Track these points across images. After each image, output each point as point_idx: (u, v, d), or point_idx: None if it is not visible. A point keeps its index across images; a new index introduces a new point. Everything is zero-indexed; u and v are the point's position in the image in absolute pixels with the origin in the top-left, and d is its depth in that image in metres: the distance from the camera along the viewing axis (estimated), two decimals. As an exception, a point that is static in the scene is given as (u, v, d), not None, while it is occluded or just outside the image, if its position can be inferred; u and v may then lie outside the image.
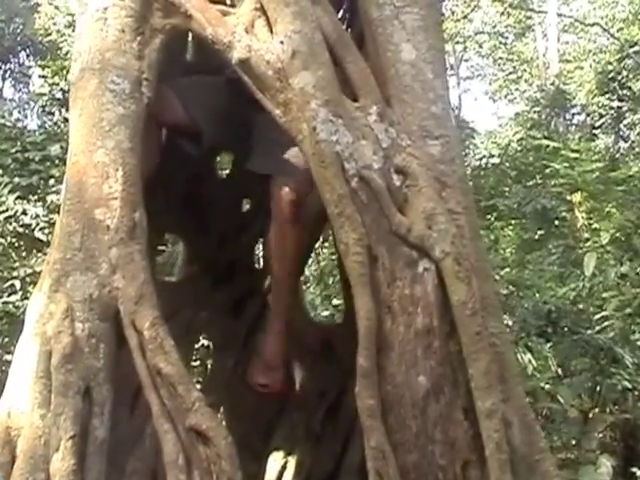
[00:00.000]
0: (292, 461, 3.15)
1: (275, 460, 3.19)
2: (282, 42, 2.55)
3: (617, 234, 6.77)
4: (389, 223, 2.45)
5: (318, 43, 2.57)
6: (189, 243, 3.50)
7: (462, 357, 2.38)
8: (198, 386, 3.32)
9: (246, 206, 3.66)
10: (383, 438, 2.30)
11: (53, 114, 9.54)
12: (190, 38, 3.41)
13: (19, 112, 16.46)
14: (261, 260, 3.65)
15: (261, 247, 3.65)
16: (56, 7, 15.75)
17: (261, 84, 2.57)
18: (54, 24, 15.41)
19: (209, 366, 4.11)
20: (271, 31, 2.59)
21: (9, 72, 17.19)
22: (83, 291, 2.45)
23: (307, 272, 6.43)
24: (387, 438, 2.31)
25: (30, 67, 16.25)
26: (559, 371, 5.60)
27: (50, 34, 15.24)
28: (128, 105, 2.66)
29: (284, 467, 3.16)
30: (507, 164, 10.33)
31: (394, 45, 2.68)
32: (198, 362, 4.46)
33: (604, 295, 5.79)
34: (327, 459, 3.09)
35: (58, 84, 9.54)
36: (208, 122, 2.92)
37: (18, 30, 15.40)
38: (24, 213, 5.43)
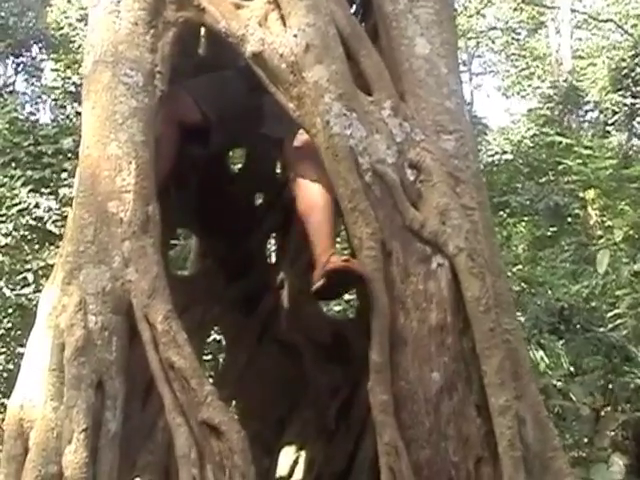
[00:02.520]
0: (304, 457, 3.14)
1: (287, 455, 3.18)
2: (296, 35, 2.54)
3: (630, 232, 6.73)
4: (403, 218, 2.44)
5: (332, 37, 2.56)
6: (202, 238, 3.49)
7: (475, 353, 2.37)
8: (210, 381, 3.33)
9: (259, 201, 3.65)
10: (396, 434, 2.29)
11: (65, 107, 9.56)
12: (203, 32, 3.41)
13: (31, 106, 16.53)
14: (274, 255, 3.64)
15: (274, 242, 3.64)
16: (68, 0, 15.78)
17: (274, 78, 2.56)
18: (66, 17, 15.44)
19: (221, 361, 4.11)
20: (284, 24, 2.58)
21: (22, 66, 17.25)
22: (96, 284, 2.44)
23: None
24: (400, 434, 2.30)
25: (42, 61, 16.30)
26: (571, 369, 5.57)
27: (62, 28, 15.27)
28: (141, 98, 2.66)
29: (296, 462, 3.15)
30: (520, 161, 10.28)
31: (408, 39, 2.67)
32: (210, 357, 4.45)
33: (617, 293, 5.75)
34: (339, 455, 3.09)
35: (70, 78, 9.55)
36: (219, 118, 2.91)
37: (30, 24, 15.42)
38: (37, 206, 5.44)
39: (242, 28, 2.60)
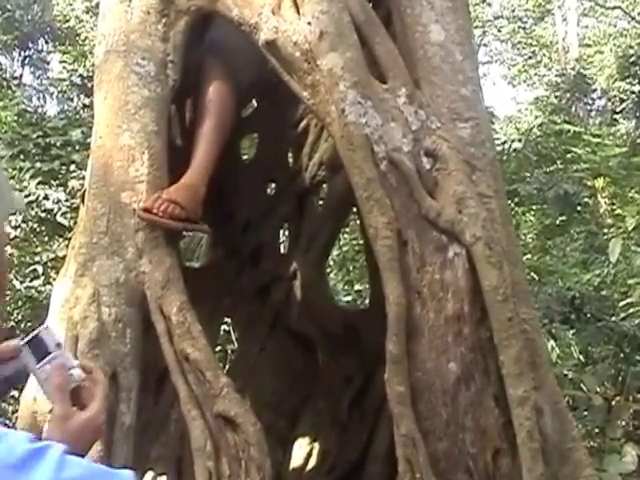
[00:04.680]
0: (318, 448, 3.12)
1: (301, 447, 3.17)
2: (309, 23, 2.50)
3: (641, 219, 6.67)
4: (419, 207, 2.41)
5: (346, 24, 2.52)
6: (214, 228, 3.46)
7: (493, 344, 2.33)
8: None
9: (271, 190, 3.62)
10: (413, 425, 2.27)
11: (72, 100, 9.52)
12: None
13: (38, 99, 16.51)
14: (286, 245, 3.62)
15: (287, 232, 3.61)
16: (74, -7, 15.75)
17: (288, 66, 2.53)
18: (72, 10, 15.41)
19: (229, 352, 4.10)
20: (298, 12, 2.54)
21: (28, 59, 17.22)
22: (109, 275, 2.43)
23: (330, 258, 6.39)
24: (417, 425, 2.28)
25: (50, 53, 16.27)
26: (582, 358, 5.54)
27: (69, 20, 15.24)
28: (153, 88, 2.64)
29: (309, 454, 3.13)
30: (528, 149, 10.21)
31: (422, 26, 2.63)
32: (219, 348, 4.44)
33: (629, 282, 5.71)
34: (353, 446, 3.07)
35: (77, 70, 9.51)
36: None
37: (37, 17, 15.39)
38: (46, 198, 5.43)
39: (255, 16, 2.57)
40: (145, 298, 2.42)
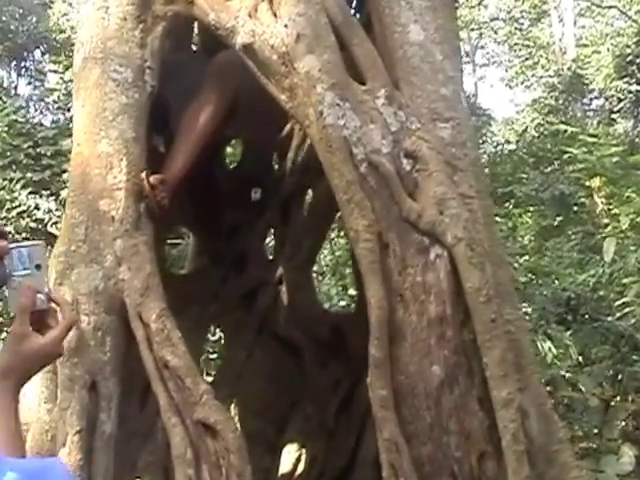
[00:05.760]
0: (306, 454, 3.10)
1: (289, 453, 3.14)
2: (286, 25, 2.48)
3: (637, 219, 6.64)
4: (399, 209, 2.38)
5: (323, 26, 2.50)
6: (198, 235, 3.45)
7: (477, 345, 2.31)
8: (211, 379, 3.29)
9: (256, 196, 3.60)
10: (396, 429, 2.24)
11: (69, 110, 9.50)
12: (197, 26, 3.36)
13: (35, 110, 16.52)
14: (272, 250, 3.59)
15: (273, 237, 3.59)
16: (69, 4, 15.77)
17: (266, 69, 2.51)
18: (67, 20, 15.42)
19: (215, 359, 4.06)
20: (275, 15, 2.53)
21: (24, 69, 17.24)
22: (88, 284, 2.41)
23: (323, 262, 6.37)
24: (400, 429, 2.25)
25: (43, 63, 16.30)
26: (580, 359, 5.50)
27: (64, 31, 15.25)
28: (131, 94, 2.62)
29: (298, 460, 3.11)
30: (524, 150, 10.20)
31: (401, 26, 2.60)
32: (215, 355, 4.41)
33: (624, 281, 5.67)
34: (341, 452, 3.04)
35: (72, 80, 9.48)
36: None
37: (32, 28, 15.41)
38: (37, 208, 5.41)
39: (232, 20, 2.55)
40: (124, 306, 2.40)
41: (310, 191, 3.45)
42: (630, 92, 15.17)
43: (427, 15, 2.64)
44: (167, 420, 2.26)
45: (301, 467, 3.10)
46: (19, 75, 17.54)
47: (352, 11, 2.83)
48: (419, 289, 2.35)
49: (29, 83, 17.84)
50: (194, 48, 3.49)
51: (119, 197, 2.49)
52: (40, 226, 5.45)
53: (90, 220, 2.47)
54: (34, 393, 2.39)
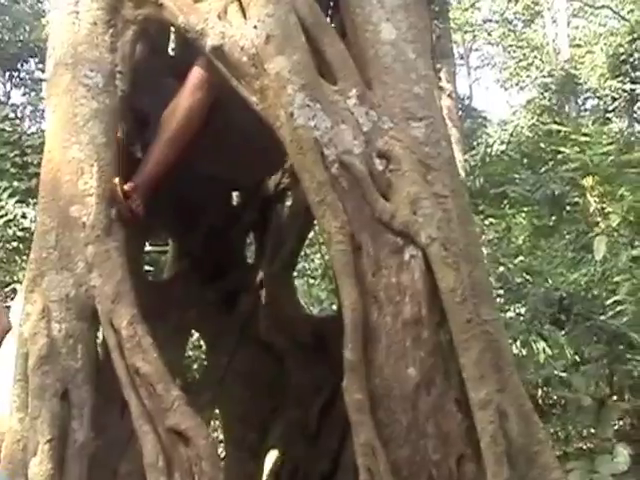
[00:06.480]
0: (289, 459, 3.06)
1: (272, 459, 3.10)
2: (255, 27, 2.46)
3: (630, 217, 6.61)
4: (372, 209, 2.35)
5: (293, 26, 2.48)
6: (178, 240, 3.42)
7: (453, 346, 2.27)
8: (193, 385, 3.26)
9: (235, 200, 3.57)
10: (372, 433, 2.21)
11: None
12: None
13: (30, 120, 16.53)
14: (252, 254, 3.56)
15: (253, 240, 3.56)
16: (62, 13, 15.73)
17: (236, 71, 2.49)
18: (60, 30, 15.38)
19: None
20: (244, 16, 2.51)
21: (19, 79, 17.26)
22: (59, 291, 2.38)
23: (312, 266, 6.34)
24: (377, 433, 2.22)
25: (35, 72, 16.35)
26: (575, 359, 5.46)
27: (56, 40, 15.20)
28: (102, 99, 2.60)
29: (281, 466, 3.07)
30: (517, 151, 10.18)
31: (373, 25, 2.58)
32: (197, 360, 4.38)
33: (616, 279, 5.64)
34: (324, 456, 3.00)
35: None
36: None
37: (24, 37, 15.43)
38: (24, 217, 5.39)
39: (201, 22, 2.53)
40: (96, 313, 2.37)
41: (290, 194, 3.43)
42: (624, 91, 15.19)
43: (399, 13, 2.61)
44: (139, 428, 2.24)
45: (284, 473, 3.07)
46: (14, 86, 17.55)
47: (325, 11, 2.79)
48: (394, 290, 2.32)
49: (24, 94, 17.87)
50: (172, 54, 3.46)
51: (90, 203, 2.46)
52: (27, 234, 5.43)
53: (61, 226, 2.45)
54: (6, 402, 2.36)
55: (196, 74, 2.70)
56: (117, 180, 2.52)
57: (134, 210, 2.61)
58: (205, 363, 3.62)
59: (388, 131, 2.46)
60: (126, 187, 2.57)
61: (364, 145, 2.42)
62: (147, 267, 3.17)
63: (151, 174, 2.67)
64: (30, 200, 5.49)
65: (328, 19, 2.67)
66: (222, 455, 3.35)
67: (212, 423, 3.72)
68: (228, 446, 3.38)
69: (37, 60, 16.60)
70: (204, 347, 3.74)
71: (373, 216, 2.35)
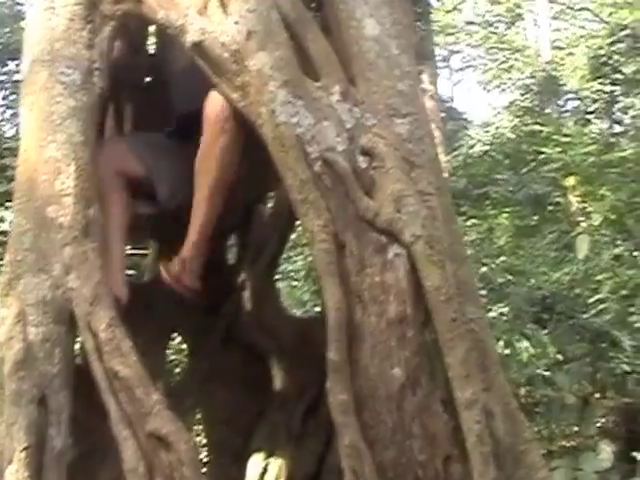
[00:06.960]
0: (273, 463, 3.02)
1: (256, 463, 3.06)
2: (237, 22, 2.43)
3: (612, 216, 6.65)
4: (356, 208, 2.32)
5: (275, 22, 2.44)
6: (159, 241, 3.36)
7: (438, 346, 2.24)
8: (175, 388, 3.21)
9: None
10: (357, 435, 2.17)
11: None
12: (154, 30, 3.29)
13: (11, 123, 16.34)
14: (235, 256, 3.51)
15: (235, 242, 3.51)
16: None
17: (217, 68, 2.45)
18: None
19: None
20: (225, 12, 2.47)
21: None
22: (36, 293, 2.32)
23: (294, 267, 6.30)
24: (362, 435, 2.18)
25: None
26: (559, 357, 5.46)
27: (36, 42, 15.06)
28: (80, 97, 2.54)
29: (265, 469, 3.03)
30: (500, 152, 10.21)
31: (357, 21, 2.55)
32: (179, 364, 4.33)
33: (598, 278, 5.66)
34: (309, 459, 2.96)
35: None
36: (163, 178, 2.76)
37: (3, 40, 15.26)
38: (1, 220, 5.30)
39: (181, 18, 2.49)
40: (74, 316, 2.31)
41: (272, 194, 3.38)
42: (605, 93, 15.30)
43: (383, 9, 2.59)
44: (118, 433, 2.18)
45: (269, 476, 3.02)
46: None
47: (308, 7, 2.74)
48: (378, 289, 2.29)
49: (4, 97, 17.69)
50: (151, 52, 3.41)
51: (67, 203, 2.40)
52: (6, 238, 5.33)
53: (37, 228, 2.39)
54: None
55: (216, 107, 2.49)
56: (161, 265, 2.44)
57: (189, 287, 2.56)
58: (187, 366, 3.55)
59: (371, 128, 2.43)
60: (173, 268, 2.51)
61: (347, 142, 2.39)
62: (128, 271, 3.09)
63: (199, 242, 2.61)
64: (8, 203, 5.40)
65: (311, 15, 2.62)
66: (204, 460, 3.30)
67: (195, 427, 3.67)
68: (210, 450, 3.32)
69: (17, 63, 16.44)
70: (186, 350, 3.67)
71: (357, 214, 2.32)
